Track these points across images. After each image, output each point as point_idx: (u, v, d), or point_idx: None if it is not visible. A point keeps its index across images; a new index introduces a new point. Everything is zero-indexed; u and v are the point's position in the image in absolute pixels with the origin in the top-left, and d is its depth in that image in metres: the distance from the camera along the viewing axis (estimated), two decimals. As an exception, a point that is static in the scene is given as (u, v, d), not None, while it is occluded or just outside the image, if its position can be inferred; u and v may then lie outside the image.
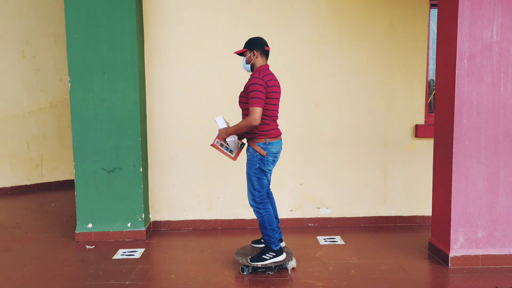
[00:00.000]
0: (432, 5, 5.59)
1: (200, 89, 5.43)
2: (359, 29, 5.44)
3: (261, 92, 3.91)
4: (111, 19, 4.96)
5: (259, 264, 4.09)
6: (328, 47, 5.45)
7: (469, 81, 4.16)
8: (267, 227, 4.12)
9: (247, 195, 4.22)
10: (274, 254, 4.13)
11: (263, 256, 4.13)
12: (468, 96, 4.17)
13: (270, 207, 4.19)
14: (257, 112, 3.90)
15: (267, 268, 4.17)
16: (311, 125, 5.46)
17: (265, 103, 3.99)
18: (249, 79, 4.03)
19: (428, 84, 5.70)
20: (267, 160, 4.08)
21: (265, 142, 4.05)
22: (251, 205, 4.19)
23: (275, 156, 4.14)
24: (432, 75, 5.83)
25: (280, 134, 4.18)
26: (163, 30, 5.36)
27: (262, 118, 4.00)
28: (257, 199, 4.13)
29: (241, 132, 4.06)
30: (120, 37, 4.98)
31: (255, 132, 4.06)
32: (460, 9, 4.09)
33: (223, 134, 4.13)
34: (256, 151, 4.06)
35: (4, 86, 7.64)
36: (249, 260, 4.14)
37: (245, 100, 4.06)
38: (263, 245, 4.38)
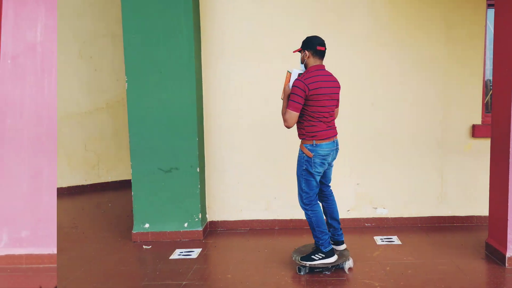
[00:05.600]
0: (489, 5, 5.39)
1: (257, 89, 5.38)
2: (417, 28, 5.31)
3: (298, 96, 3.87)
4: (167, 19, 4.95)
5: (307, 263, 4.09)
6: (385, 47, 5.33)
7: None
8: (316, 229, 4.14)
9: (297, 196, 4.23)
10: (323, 255, 4.10)
11: (312, 256, 4.13)
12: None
13: (319, 209, 4.18)
14: (288, 115, 3.91)
15: (324, 268, 4.14)
16: (368, 125, 5.37)
17: (309, 105, 3.93)
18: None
19: (485, 84, 5.56)
20: (314, 162, 4.02)
21: (312, 144, 3.99)
22: (300, 206, 4.21)
23: (324, 158, 4.04)
24: (489, 75, 5.65)
25: (332, 135, 4.08)
26: (220, 29, 5.33)
27: (308, 120, 3.99)
28: (304, 201, 4.14)
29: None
30: (177, 36, 4.96)
31: (303, 133, 4.04)
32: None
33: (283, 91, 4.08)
34: (304, 153, 4.03)
35: (62, 86, 7.75)
36: (299, 259, 4.15)
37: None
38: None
